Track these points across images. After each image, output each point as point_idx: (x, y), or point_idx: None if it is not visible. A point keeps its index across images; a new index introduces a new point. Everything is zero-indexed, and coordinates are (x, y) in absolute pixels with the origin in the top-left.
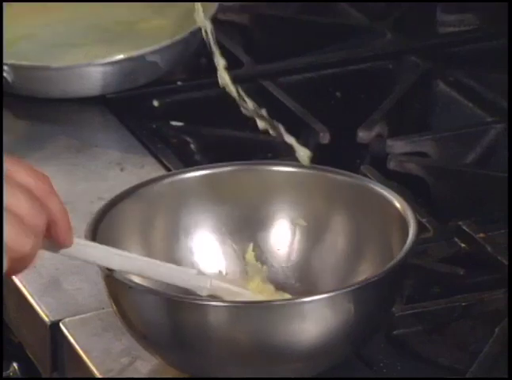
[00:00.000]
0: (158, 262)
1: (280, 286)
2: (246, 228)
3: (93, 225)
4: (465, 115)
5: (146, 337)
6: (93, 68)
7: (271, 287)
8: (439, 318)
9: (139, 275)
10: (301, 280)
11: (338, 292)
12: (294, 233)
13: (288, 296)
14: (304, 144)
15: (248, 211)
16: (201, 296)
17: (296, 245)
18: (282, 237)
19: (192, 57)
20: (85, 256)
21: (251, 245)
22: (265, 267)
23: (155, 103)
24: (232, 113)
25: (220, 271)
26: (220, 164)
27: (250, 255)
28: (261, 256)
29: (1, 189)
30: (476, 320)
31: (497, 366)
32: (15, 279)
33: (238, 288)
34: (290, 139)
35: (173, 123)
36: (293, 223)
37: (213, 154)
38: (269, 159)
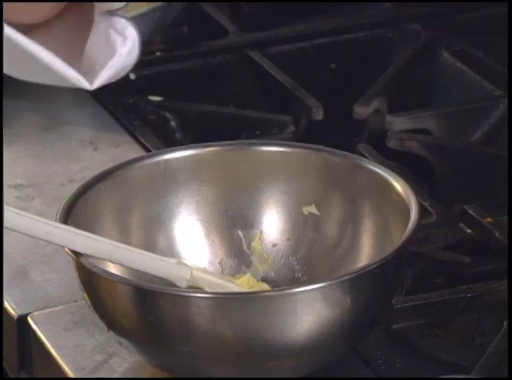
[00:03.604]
0: (132, 248)
1: (284, 281)
2: (237, 214)
3: (64, 211)
4: (472, 88)
5: (122, 332)
6: None
7: (264, 285)
8: (442, 311)
9: (108, 260)
10: (306, 273)
11: (331, 282)
12: (292, 221)
13: None
14: (296, 121)
15: (237, 196)
16: (181, 287)
17: (292, 234)
18: (276, 226)
19: (172, 25)
20: (49, 237)
21: (258, 233)
22: (271, 258)
23: (131, 76)
24: (216, 87)
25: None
26: (205, 144)
27: (256, 243)
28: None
29: (1, 190)
30: (483, 312)
31: (505, 362)
32: None
33: (223, 280)
34: None
35: (152, 97)
36: (297, 210)
37: (196, 132)
38: (256, 137)
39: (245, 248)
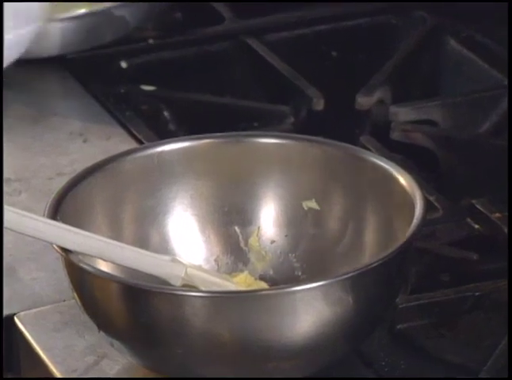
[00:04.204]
0: (123, 245)
1: (283, 279)
2: (234, 210)
3: (53, 206)
4: (480, 77)
5: (113, 333)
6: (52, 24)
7: (263, 284)
8: (449, 310)
9: (99, 257)
10: (306, 271)
11: (332, 280)
12: (291, 217)
13: None
14: (295, 111)
15: (234, 191)
16: (175, 286)
17: (291, 231)
18: (275, 221)
19: (165, 11)
20: (37, 233)
21: (256, 229)
22: (269, 255)
23: (123, 64)
24: (212, 76)
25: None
26: (200, 136)
27: (254, 240)
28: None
29: (1, 190)
30: (491, 312)
31: None
32: None
33: (219, 279)
34: None
35: (144, 87)
36: (297, 205)
37: (190, 123)
38: (254, 128)
39: (242, 244)
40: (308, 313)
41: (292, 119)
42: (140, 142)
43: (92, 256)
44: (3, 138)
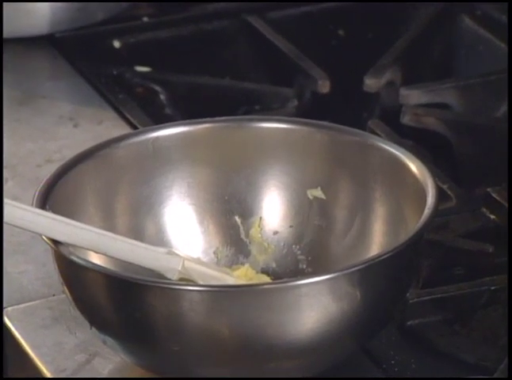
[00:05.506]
0: (117, 236)
1: (286, 272)
2: (234, 199)
3: (42, 194)
4: (496, 57)
5: (106, 330)
6: (40, 2)
7: (265, 277)
8: (463, 305)
9: (91, 249)
10: (311, 264)
11: (339, 273)
12: (295, 206)
13: None
14: (299, 94)
15: (234, 178)
16: (172, 280)
17: (295, 221)
18: (278, 211)
19: None
20: (25, 224)
21: (258, 220)
22: (272, 247)
23: (116, 43)
24: (211, 56)
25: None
26: (198, 120)
27: (255, 231)
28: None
29: (1, 188)
30: (508, 307)
31: None
32: None
33: (218, 272)
34: None
35: (139, 68)
36: (301, 194)
37: (188, 107)
38: (256, 112)
39: (243, 236)
40: (313, 308)
41: (295, 102)
42: (134, 127)
43: (83, 248)
44: None
